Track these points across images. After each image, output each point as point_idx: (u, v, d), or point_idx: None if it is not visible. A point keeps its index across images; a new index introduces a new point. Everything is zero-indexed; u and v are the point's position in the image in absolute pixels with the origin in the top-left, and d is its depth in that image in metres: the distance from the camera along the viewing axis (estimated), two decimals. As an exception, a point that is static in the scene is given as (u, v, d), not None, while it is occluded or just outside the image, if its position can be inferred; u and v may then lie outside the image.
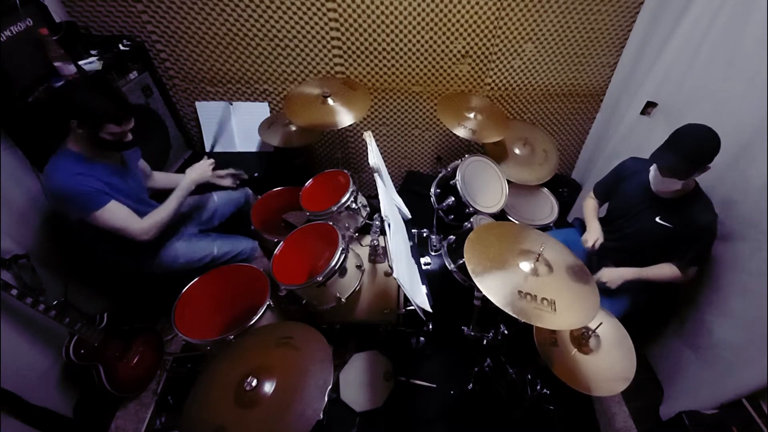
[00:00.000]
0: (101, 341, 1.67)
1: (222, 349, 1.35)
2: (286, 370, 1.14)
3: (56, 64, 1.61)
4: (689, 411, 1.62)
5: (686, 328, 1.81)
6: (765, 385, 1.44)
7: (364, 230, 1.83)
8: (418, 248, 1.77)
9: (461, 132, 2.05)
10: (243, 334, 1.43)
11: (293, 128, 2.19)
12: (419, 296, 1.29)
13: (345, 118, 1.93)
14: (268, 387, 1.09)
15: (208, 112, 2.40)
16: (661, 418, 1.84)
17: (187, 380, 1.87)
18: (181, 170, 2.16)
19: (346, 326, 1.95)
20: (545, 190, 2.37)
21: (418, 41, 2.22)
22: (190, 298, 1.58)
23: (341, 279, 1.56)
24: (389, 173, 2.06)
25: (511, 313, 1.11)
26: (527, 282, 1.22)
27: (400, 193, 2.02)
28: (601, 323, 1.39)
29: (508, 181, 2.08)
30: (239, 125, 2.43)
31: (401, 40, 2.21)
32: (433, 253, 1.83)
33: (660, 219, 1.54)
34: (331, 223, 1.62)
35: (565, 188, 2.63)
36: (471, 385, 1.83)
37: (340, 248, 1.49)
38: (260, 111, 2.42)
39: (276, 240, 1.81)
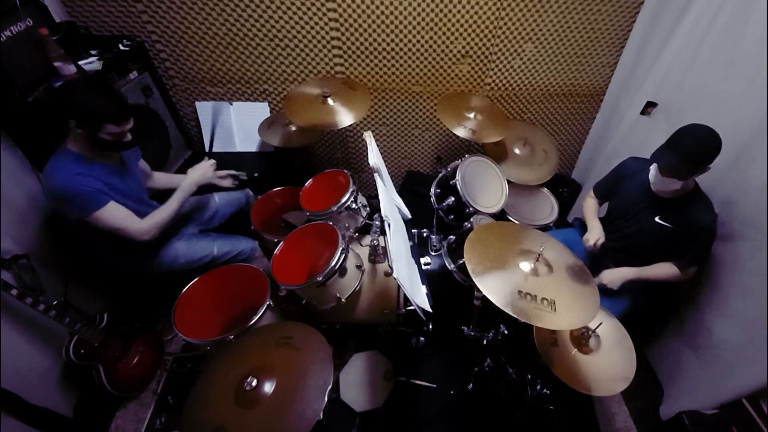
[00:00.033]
0: (101, 341, 1.67)
1: (222, 349, 1.35)
2: (286, 370, 1.14)
3: (56, 64, 1.61)
4: (689, 411, 1.62)
5: (686, 328, 1.81)
6: (765, 385, 1.44)
7: (364, 230, 1.83)
8: (418, 248, 1.77)
9: (461, 132, 2.05)
10: (243, 334, 1.43)
11: (293, 128, 2.19)
12: (419, 296, 1.29)
13: (345, 118, 1.93)
14: (268, 387, 1.09)
15: (208, 112, 2.40)
16: (661, 418, 1.84)
17: (187, 380, 1.87)
18: (181, 170, 2.17)
19: (346, 326, 1.95)
20: (545, 190, 2.37)
21: (418, 41, 2.22)
22: (190, 298, 1.58)
23: (341, 279, 1.56)
24: (389, 173, 2.06)
25: (511, 313, 1.11)
26: (527, 282, 1.22)
27: (400, 193, 2.02)
28: (601, 323, 1.39)
29: (508, 181, 2.08)
30: (239, 125, 2.43)
31: (401, 40, 2.21)
32: (433, 253, 1.83)
33: (660, 219, 1.54)
34: (331, 223, 1.62)
35: (565, 188, 2.64)
36: (471, 385, 1.83)
37: (340, 248, 1.49)
38: (260, 111, 2.42)
39: (276, 240, 1.81)
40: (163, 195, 1.71)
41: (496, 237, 1.38)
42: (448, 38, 2.21)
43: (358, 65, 2.31)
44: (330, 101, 1.97)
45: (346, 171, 1.86)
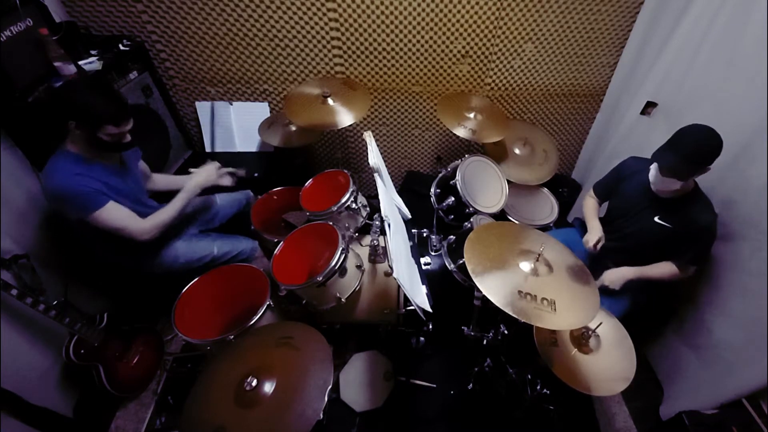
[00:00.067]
0: (101, 341, 1.67)
1: (222, 349, 1.35)
2: (286, 370, 1.14)
3: (56, 64, 1.61)
4: (689, 411, 1.62)
5: (686, 328, 1.81)
6: (765, 385, 1.44)
7: (364, 230, 1.83)
8: (418, 248, 1.77)
9: (461, 132, 2.05)
10: (243, 334, 1.43)
11: (293, 128, 2.19)
12: (419, 296, 1.29)
13: (345, 118, 1.93)
14: (268, 387, 1.09)
15: (208, 112, 2.40)
16: (661, 418, 1.84)
17: (187, 380, 1.87)
18: (181, 170, 2.16)
19: (346, 326, 1.95)
20: (545, 190, 2.37)
21: (418, 41, 2.22)
22: (190, 298, 1.58)
23: (341, 279, 1.56)
24: (389, 173, 2.06)
25: (511, 313, 1.11)
26: (527, 282, 1.22)
27: (400, 193, 2.02)
28: (601, 323, 1.40)
29: (508, 181, 2.08)
30: (239, 125, 2.43)
31: (401, 40, 2.21)
32: (433, 253, 1.83)
33: (659, 219, 1.54)
34: (331, 223, 1.62)
35: (565, 188, 2.63)
36: (471, 385, 1.83)
37: (340, 248, 1.49)
38: (260, 111, 2.42)
39: (276, 240, 1.81)
40: (163, 196, 1.71)
41: (496, 237, 1.38)
42: (448, 38, 2.21)
43: (358, 65, 2.31)
44: (330, 101, 1.97)
45: (346, 171, 1.86)
